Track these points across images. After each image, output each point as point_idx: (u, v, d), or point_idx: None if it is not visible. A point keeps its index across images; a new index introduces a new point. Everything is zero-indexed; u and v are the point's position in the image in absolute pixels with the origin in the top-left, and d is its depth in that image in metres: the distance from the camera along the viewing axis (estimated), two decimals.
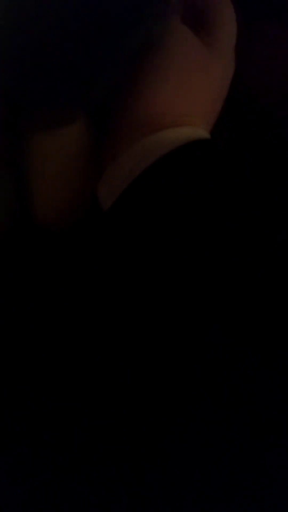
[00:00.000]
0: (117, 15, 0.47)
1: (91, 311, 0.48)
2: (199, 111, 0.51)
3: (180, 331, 0.44)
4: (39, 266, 0.53)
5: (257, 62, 0.58)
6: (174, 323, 0.44)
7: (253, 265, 0.43)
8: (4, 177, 0.55)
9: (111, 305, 0.46)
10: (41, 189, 0.53)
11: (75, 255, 0.51)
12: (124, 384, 0.45)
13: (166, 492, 0.44)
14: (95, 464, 0.46)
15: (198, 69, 0.51)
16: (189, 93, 0.51)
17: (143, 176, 0.47)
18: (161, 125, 0.49)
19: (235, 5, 0.53)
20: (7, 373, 0.50)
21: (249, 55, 0.55)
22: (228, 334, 0.43)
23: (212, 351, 0.43)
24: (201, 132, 0.51)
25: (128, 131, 0.50)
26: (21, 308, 0.52)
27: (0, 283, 0.53)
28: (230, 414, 0.42)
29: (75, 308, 0.49)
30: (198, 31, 0.52)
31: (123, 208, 0.48)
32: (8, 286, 0.53)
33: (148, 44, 0.49)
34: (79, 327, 0.48)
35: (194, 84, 0.51)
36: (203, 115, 0.52)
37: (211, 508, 0.43)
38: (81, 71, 0.48)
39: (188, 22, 0.52)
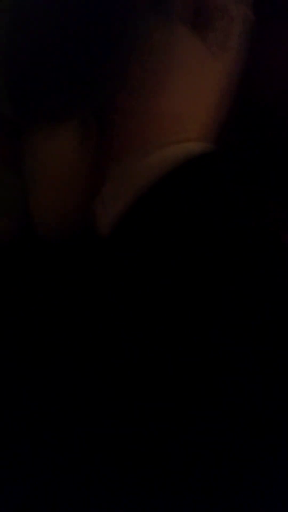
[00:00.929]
0: (117, 15, 0.47)
1: (92, 311, 0.48)
2: (200, 111, 0.51)
3: (180, 331, 0.44)
4: (40, 272, 0.53)
5: (257, 62, 0.58)
6: (174, 323, 0.44)
7: (254, 268, 0.43)
8: (11, 179, 0.55)
9: (112, 307, 0.46)
10: (38, 194, 0.53)
11: (74, 264, 0.51)
12: (124, 385, 0.45)
13: (166, 492, 0.44)
14: (95, 464, 0.46)
15: (199, 69, 0.51)
16: (190, 93, 0.51)
17: (141, 198, 0.47)
18: (162, 130, 0.49)
19: None
20: (7, 373, 0.50)
21: (250, 55, 0.55)
22: (228, 334, 0.43)
23: (212, 351, 0.43)
24: (200, 147, 0.50)
25: (128, 132, 0.50)
26: (22, 308, 0.52)
27: (1, 287, 0.53)
28: (230, 414, 0.42)
29: (75, 308, 0.49)
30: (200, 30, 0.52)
31: (123, 234, 0.48)
32: (9, 290, 0.53)
33: (148, 44, 0.49)
34: (79, 328, 0.48)
35: (195, 84, 0.51)
36: (204, 114, 0.52)
37: (211, 508, 0.43)
38: (81, 71, 0.48)
39: (189, 22, 0.52)
